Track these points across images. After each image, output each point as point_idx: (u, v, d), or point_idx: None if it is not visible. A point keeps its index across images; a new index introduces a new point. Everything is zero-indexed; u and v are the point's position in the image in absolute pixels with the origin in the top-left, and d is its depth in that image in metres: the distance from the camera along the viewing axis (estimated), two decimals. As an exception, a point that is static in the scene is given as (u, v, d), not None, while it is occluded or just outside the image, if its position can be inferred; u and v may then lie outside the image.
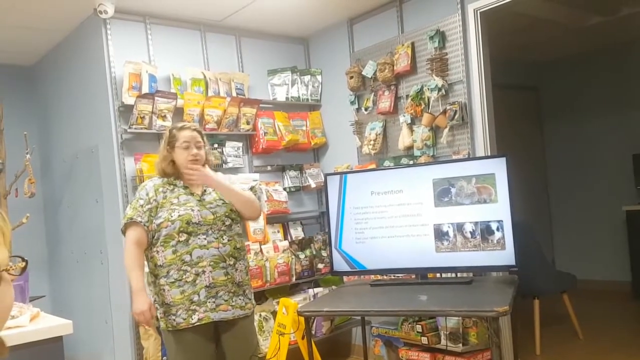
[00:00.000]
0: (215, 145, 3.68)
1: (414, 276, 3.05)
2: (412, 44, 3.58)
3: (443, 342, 3.20)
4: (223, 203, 2.47)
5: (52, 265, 4.29)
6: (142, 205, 2.41)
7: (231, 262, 2.43)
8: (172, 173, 2.51)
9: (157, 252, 2.40)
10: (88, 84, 3.58)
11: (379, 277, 3.27)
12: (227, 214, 2.46)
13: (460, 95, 3.36)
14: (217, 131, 3.66)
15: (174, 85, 3.56)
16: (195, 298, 2.36)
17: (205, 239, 2.39)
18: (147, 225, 2.39)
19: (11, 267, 0.86)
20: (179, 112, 3.48)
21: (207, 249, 2.38)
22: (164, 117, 3.37)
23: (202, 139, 2.51)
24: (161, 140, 2.60)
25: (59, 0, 3.16)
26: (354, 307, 2.84)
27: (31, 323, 1.93)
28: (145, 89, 3.35)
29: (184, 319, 2.36)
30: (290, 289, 3.97)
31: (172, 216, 2.38)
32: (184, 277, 2.37)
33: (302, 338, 3.04)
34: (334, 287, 3.86)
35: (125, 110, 3.35)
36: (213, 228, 2.41)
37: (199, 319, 2.36)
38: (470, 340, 3.16)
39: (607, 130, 5.64)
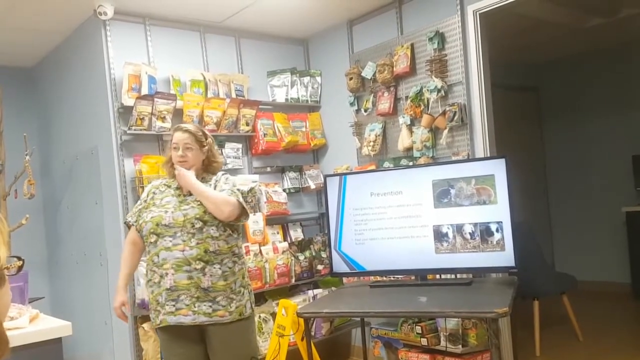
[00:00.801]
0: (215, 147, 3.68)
1: (413, 277, 3.05)
2: (412, 45, 3.58)
3: (443, 343, 3.20)
4: (198, 205, 2.41)
5: (52, 267, 4.29)
6: (137, 206, 2.55)
7: (198, 266, 2.34)
8: (174, 173, 2.52)
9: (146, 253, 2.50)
10: (88, 86, 3.58)
11: (379, 278, 3.27)
12: (198, 215, 2.38)
13: (459, 97, 3.36)
14: (217, 132, 3.66)
15: (174, 86, 3.56)
16: (160, 299, 2.38)
17: (171, 241, 2.36)
18: (136, 225, 2.48)
19: (11, 266, 0.86)
20: (178, 114, 3.48)
21: (171, 251, 2.36)
22: (163, 119, 3.38)
23: (196, 141, 2.48)
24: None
25: (58, 2, 3.16)
26: (353, 308, 2.84)
27: (30, 324, 1.94)
28: (144, 91, 3.35)
29: (153, 319, 2.43)
30: (289, 290, 3.96)
31: (147, 218, 2.42)
32: (152, 277, 2.41)
33: (302, 339, 3.04)
34: (333, 288, 3.86)
35: (125, 112, 3.35)
36: (183, 230, 2.37)
37: (160, 321, 2.39)
38: (470, 341, 3.15)
39: (607, 131, 5.65)
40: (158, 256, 2.37)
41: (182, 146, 2.46)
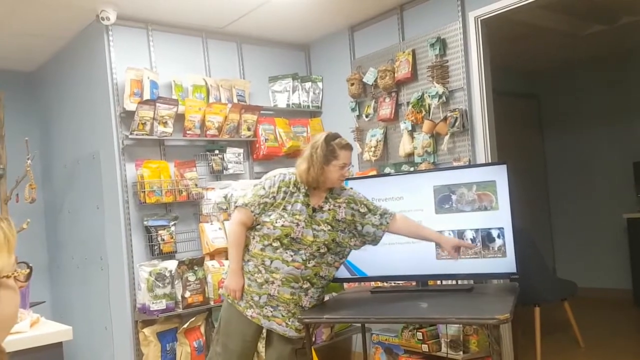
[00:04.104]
0: (216, 152, 3.69)
1: (414, 283, 3.04)
2: (413, 51, 3.59)
3: (444, 349, 3.19)
4: (329, 230, 2.47)
5: (53, 271, 4.28)
6: (261, 196, 2.46)
7: (304, 286, 2.45)
8: (318, 183, 2.47)
9: (252, 237, 2.48)
10: (89, 90, 3.59)
11: (380, 284, 3.26)
12: (326, 242, 2.46)
13: (460, 103, 3.37)
14: (218, 137, 3.67)
15: (176, 91, 3.57)
16: (256, 298, 2.45)
17: (291, 256, 2.41)
18: (257, 216, 2.46)
19: (18, 272, 0.84)
20: (180, 119, 3.49)
21: (287, 265, 2.42)
22: (165, 124, 3.38)
23: None
24: (311, 148, 2.46)
25: (61, 6, 3.17)
26: (354, 314, 2.83)
27: (31, 329, 1.94)
28: (146, 95, 3.36)
29: (241, 306, 2.47)
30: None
31: (276, 223, 2.42)
32: (255, 275, 2.45)
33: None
34: (334, 294, 3.85)
35: (127, 117, 3.35)
36: (307, 250, 2.43)
37: (251, 316, 2.45)
38: (471, 348, 3.15)
39: (608, 138, 5.65)
40: (271, 261, 2.43)
41: (349, 164, 2.49)
